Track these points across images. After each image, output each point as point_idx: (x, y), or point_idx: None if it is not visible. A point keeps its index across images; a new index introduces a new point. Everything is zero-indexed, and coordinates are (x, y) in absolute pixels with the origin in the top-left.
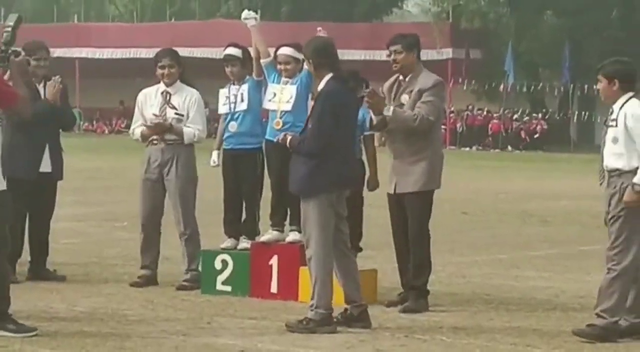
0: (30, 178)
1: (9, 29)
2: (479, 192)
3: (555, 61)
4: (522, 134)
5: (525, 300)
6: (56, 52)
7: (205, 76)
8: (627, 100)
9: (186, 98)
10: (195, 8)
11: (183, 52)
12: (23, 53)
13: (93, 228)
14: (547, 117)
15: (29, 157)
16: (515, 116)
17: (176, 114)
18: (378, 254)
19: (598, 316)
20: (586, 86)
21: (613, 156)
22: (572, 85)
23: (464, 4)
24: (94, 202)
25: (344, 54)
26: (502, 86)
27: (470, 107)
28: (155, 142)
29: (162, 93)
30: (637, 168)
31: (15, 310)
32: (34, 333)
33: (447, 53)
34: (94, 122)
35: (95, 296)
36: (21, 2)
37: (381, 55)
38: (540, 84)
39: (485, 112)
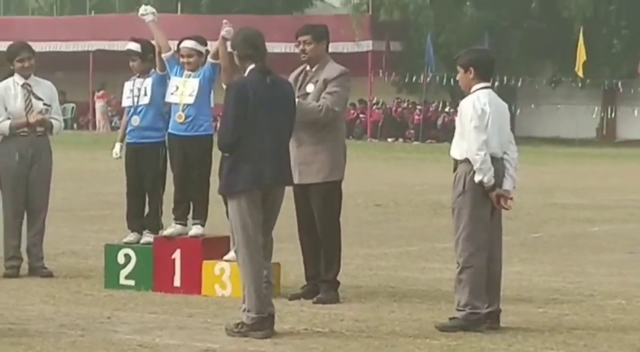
0: None
1: None
2: (394, 185)
3: None
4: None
5: (429, 292)
6: None
7: (125, 69)
8: (473, 92)
9: (49, 89)
10: (115, 1)
11: (102, 45)
12: None
13: None
14: None
15: None
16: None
17: (44, 104)
18: (285, 246)
19: (458, 310)
20: (505, 78)
21: (454, 146)
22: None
23: None
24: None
25: (267, 47)
26: (422, 78)
27: (397, 100)
28: (24, 134)
29: (22, 85)
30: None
31: None
32: None
33: (367, 45)
34: None
35: None
36: None
37: None
38: None
39: (406, 104)
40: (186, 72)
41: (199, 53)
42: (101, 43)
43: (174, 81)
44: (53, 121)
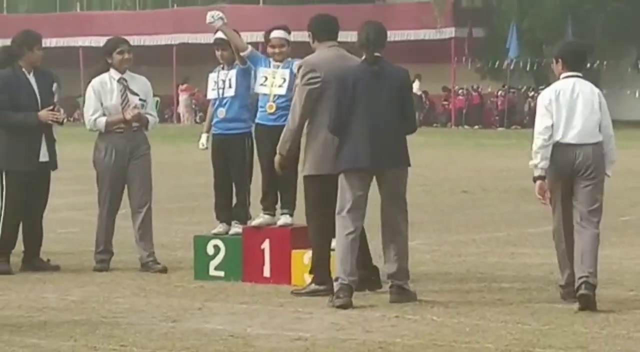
0: (31, 169)
1: None
2: (481, 171)
3: (559, 37)
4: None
5: (519, 277)
6: (60, 42)
7: (208, 61)
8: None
9: (144, 85)
10: None
11: (185, 38)
12: None
13: (92, 217)
14: None
15: (28, 148)
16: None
17: (140, 100)
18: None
19: None
20: (589, 62)
21: None
22: None
23: None
24: (94, 191)
25: (348, 36)
26: (505, 63)
27: (473, 86)
28: (120, 130)
29: (118, 80)
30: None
31: (7, 300)
32: None
33: (450, 32)
34: None
35: (88, 285)
36: None
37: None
38: (544, 61)
39: (490, 90)
40: (274, 63)
41: (289, 42)
42: (184, 36)
43: (263, 72)
44: (148, 117)
